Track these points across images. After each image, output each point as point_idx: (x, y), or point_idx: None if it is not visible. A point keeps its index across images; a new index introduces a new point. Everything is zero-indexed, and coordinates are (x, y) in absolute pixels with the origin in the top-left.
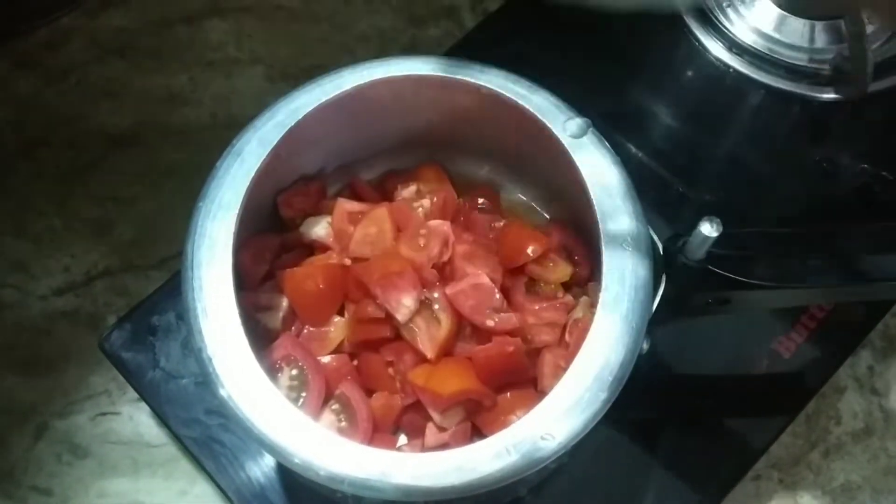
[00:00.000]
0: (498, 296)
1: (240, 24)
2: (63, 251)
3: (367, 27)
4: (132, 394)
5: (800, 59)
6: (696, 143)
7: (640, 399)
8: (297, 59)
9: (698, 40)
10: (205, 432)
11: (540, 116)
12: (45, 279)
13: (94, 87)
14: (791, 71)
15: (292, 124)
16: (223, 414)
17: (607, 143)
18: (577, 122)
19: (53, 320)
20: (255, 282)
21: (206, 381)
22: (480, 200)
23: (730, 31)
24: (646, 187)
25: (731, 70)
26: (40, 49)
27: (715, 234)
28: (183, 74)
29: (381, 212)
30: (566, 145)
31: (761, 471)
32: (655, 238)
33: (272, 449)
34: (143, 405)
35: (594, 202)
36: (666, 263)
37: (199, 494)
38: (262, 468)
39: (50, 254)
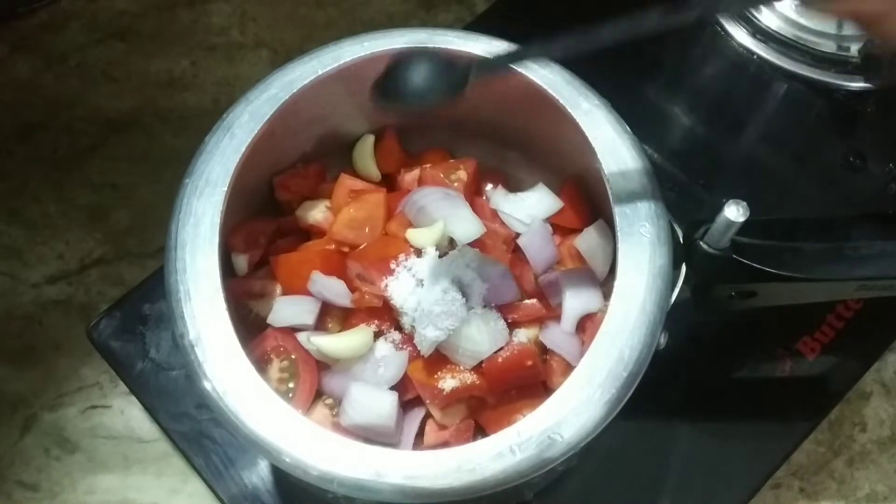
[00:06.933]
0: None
1: (244, 8)
2: (57, 238)
3: (376, 12)
4: (124, 387)
5: (827, 46)
6: (717, 134)
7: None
8: (302, 44)
9: (721, 25)
10: (195, 427)
11: (553, 93)
12: (38, 266)
13: (94, 71)
14: (818, 58)
15: (286, 98)
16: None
17: (626, 124)
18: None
19: (45, 309)
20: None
21: (188, 369)
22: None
23: (754, 17)
24: (664, 178)
25: (756, 57)
26: (40, 31)
27: (741, 220)
28: (185, 59)
29: (377, 196)
30: (580, 124)
31: (782, 479)
32: (675, 225)
33: (259, 445)
34: (136, 399)
35: (609, 184)
36: (686, 252)
37: (191, 493)
38: (254, 466)
39: (44, 240)
